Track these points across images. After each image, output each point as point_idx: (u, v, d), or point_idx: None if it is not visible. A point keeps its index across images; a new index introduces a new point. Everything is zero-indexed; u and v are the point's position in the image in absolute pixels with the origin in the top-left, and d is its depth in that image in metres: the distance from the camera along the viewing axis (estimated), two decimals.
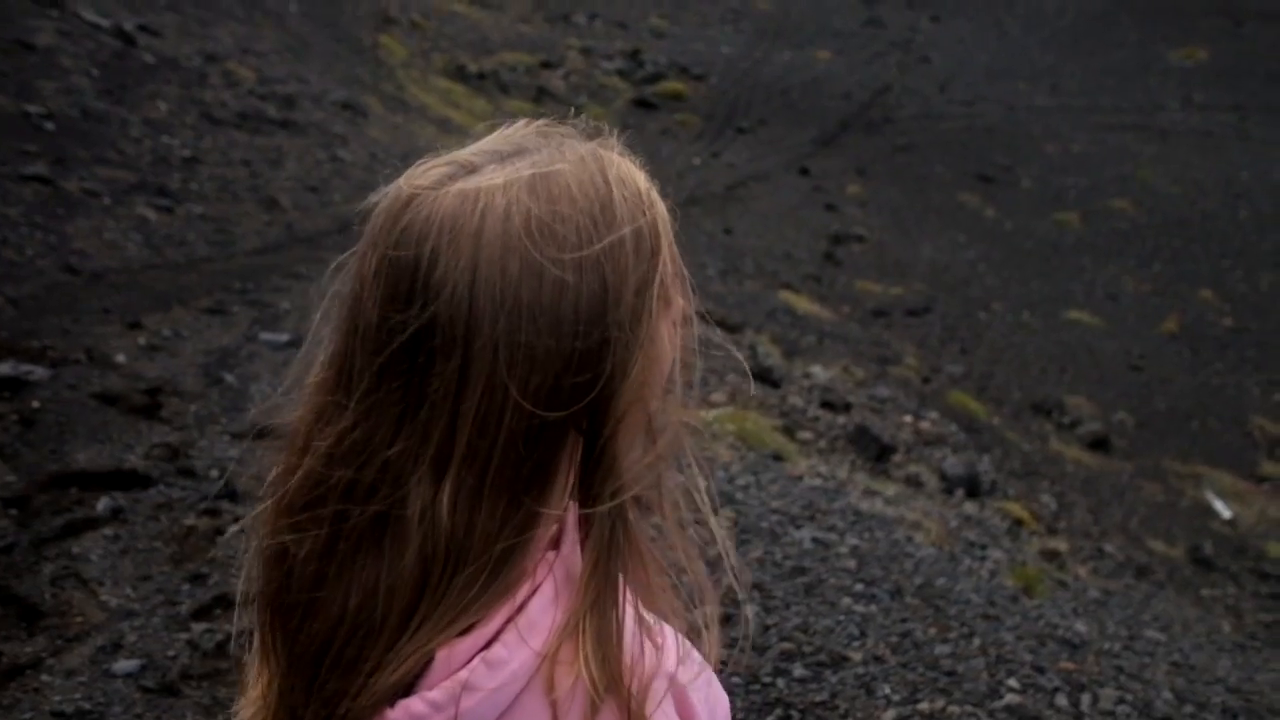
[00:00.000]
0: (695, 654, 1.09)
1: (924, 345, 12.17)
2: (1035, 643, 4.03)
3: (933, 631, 3.87)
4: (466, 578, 0.93)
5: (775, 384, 8.26)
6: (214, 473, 4.82)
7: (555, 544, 0.98)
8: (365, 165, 12.24)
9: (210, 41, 13.11)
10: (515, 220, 0.91)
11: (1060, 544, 6.88)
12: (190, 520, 4.36)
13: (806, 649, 3.63)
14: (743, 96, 18.80)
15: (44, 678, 3.40)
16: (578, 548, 0.97)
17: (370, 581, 0.93)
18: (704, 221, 14.32)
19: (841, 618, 3.89)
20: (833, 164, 17.06)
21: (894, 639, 3.77)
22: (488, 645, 0.92)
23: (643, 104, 17.81)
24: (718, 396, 7.66)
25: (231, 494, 4.58)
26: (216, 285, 7.77)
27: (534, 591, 0.95)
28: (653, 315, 0.96)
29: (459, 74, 17.50)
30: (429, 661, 0.92)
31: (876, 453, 7.24)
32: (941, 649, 3.73)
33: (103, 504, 4.44)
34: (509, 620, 0.92)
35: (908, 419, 8.39)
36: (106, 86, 10.46)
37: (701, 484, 1.04)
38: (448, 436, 0.91)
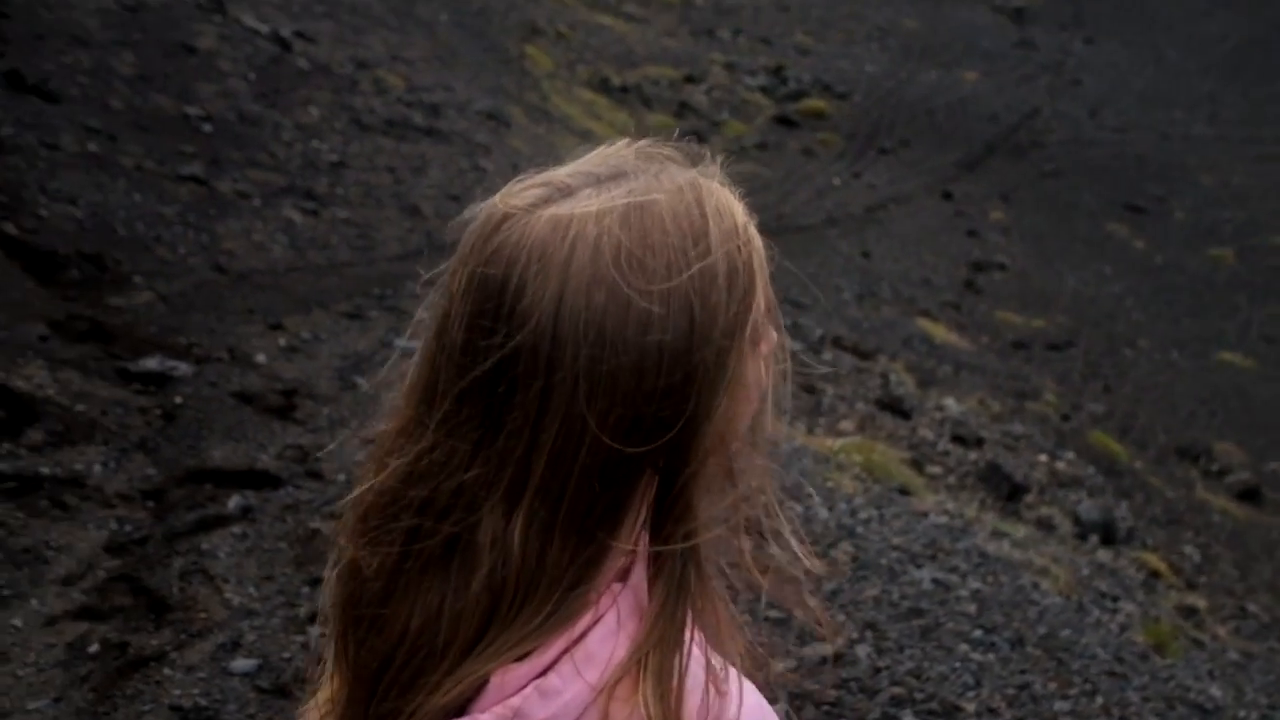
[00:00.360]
0: (764, 704, 1.06)
1: (1065, 381, 11.82)
2: (1163, 705, 3.86)
3: (1053, 686, 3.73)
4: (533, 608, 0.91)
5: (906, 415, 8.11)
6: (341, 477, 4.92)
7: (625, 574, 0.96)
8: (506, 175, 12.28)
9: (362, 49, 13.45)
10: (605, 251, 0.89)
11: (1199, 600, 6.59)
12: (315, 523, 4.46)
13: (918, 695, 3.53)
14: (886, 116, 18.55)
15: (165, 671, 3.50)
16: (645, 580, 0.95)
17: (434, 604, 0.93)
18: (841, 243, 14.16)
19: (957, 665, 3.78)
20: (976, 188, 16.71)
21: (1011, 691, 3.65)
22: (543, 673, 0.90)
23: (784, 121, 17.70)
24: (846, 425, 7.55)
25: None
26: (356, 290, 7.95)
27: (596, 622, 0.93)
28: (742, 355, 0.94)
29: (602, 86, 17.64)
30: (483, 685, 0.91)
31: (1008, 492, 7.04)
32: (1061, 705, 3.59)
33: (234, 502, 4.57)
34: (567, 650, 0.91)
35: (1043, 458, 8.14)
36: (262, 90, 10.81)
37: (786, 527, 1.00)
38: (523, 466, 0.90)
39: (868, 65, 20.99)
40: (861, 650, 3.78)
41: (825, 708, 3.43)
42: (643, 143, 1.02)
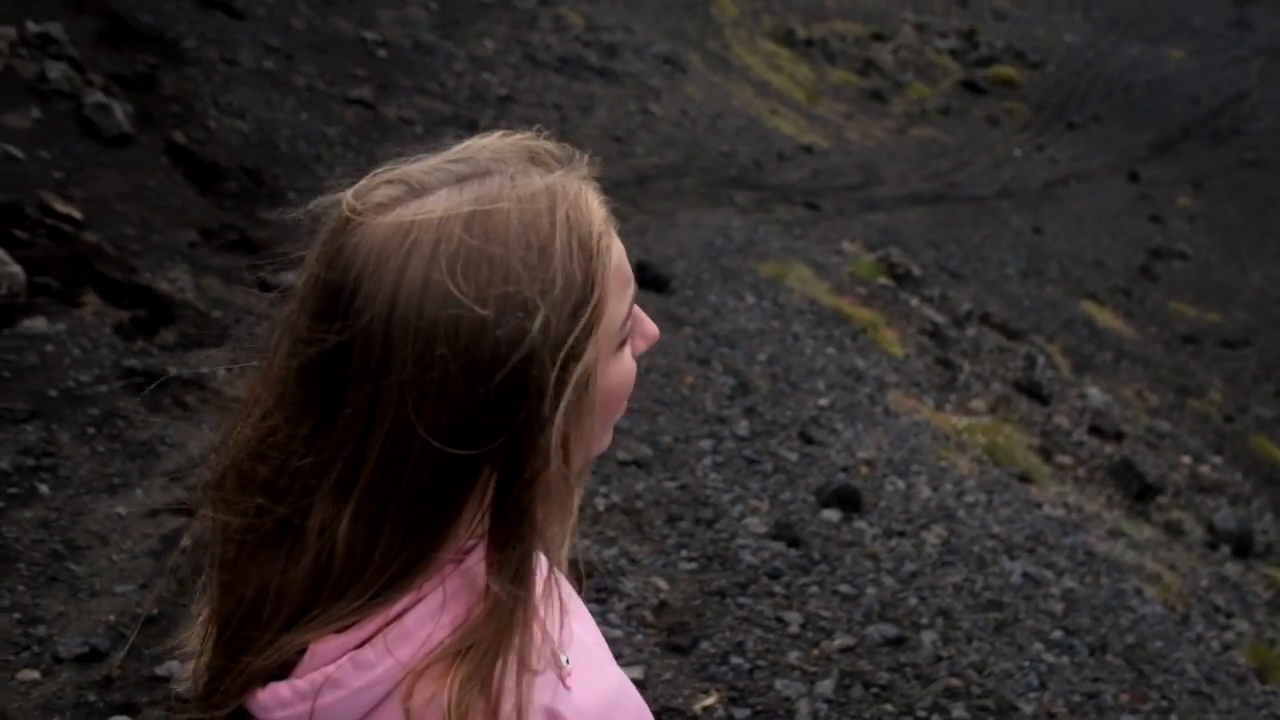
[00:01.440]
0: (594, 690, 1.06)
1: (1234, 381, 11.25)
2: None
3: (1125, 698, 3.60)
4: (355, 592, 0.93)
5: (1043, 400, 7.85)
6: None
7: (462, 557, 0.97)
8: (674, 121, 12.40)
9: None
10: (441, 259, 0.88)
11: None
12: None
13: (975, 690, 3.45)
14: (1079, 89, 17.79)
15: None
16: (482, 564, 0.95)
17: (265, 578, 0.95)
18: (1013, 217, 13.71)
19: (1026, 664, 3.67)
20: (1166, 172, 15.93)
21: (1077, 698, 3.53)
22: (359, 646, 0.92)
23: (971, 87, 17.16)
24: (977, 404, 7.35)
25: None
26: None
27: (417, 602, 0.94)
28: (588, 364, 0.92)
29: (787, 38, 17.39)
30: (303, 651, 0.93)
31: (1138, 491, 6.76)
32: (1128, 719, 3.46)
33: None
34: (384, 626, 0.92)
35: (1186, 459, 7.79)
36: (441, 21, 11.01)
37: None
38: (354, 462, 0.91)
39: (1067, 35, 20.12)
40: (927, 636, 3.71)
41: (875, 690, 3.38)
42: (516, 138, 1.01)
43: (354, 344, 0.90)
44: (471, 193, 0.92)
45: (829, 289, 8.28)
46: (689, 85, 13.83)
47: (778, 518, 4.37)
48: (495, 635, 0.93)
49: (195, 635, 1.11)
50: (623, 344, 1.00)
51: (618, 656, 3.26)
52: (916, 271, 9.41)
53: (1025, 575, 4.34)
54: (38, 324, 4.77)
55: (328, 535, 0.92)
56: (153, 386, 4.52)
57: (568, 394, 0.91)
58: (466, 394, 0.88)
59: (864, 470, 5.06)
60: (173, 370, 4.83)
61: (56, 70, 6.75)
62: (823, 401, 5.85)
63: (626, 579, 3.83)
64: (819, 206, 11.26)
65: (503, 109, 10.18)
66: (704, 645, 3.54)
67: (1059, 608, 4.16)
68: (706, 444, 4.95)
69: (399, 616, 0.93)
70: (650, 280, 7.11)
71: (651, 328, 1.07)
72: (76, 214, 5.65)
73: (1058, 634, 3.93)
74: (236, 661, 0.96)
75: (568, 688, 1.04)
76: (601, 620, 3.60)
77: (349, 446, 0.91)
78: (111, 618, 3.39)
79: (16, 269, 4.80)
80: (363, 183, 0.97)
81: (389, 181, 0.96)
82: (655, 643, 3.54)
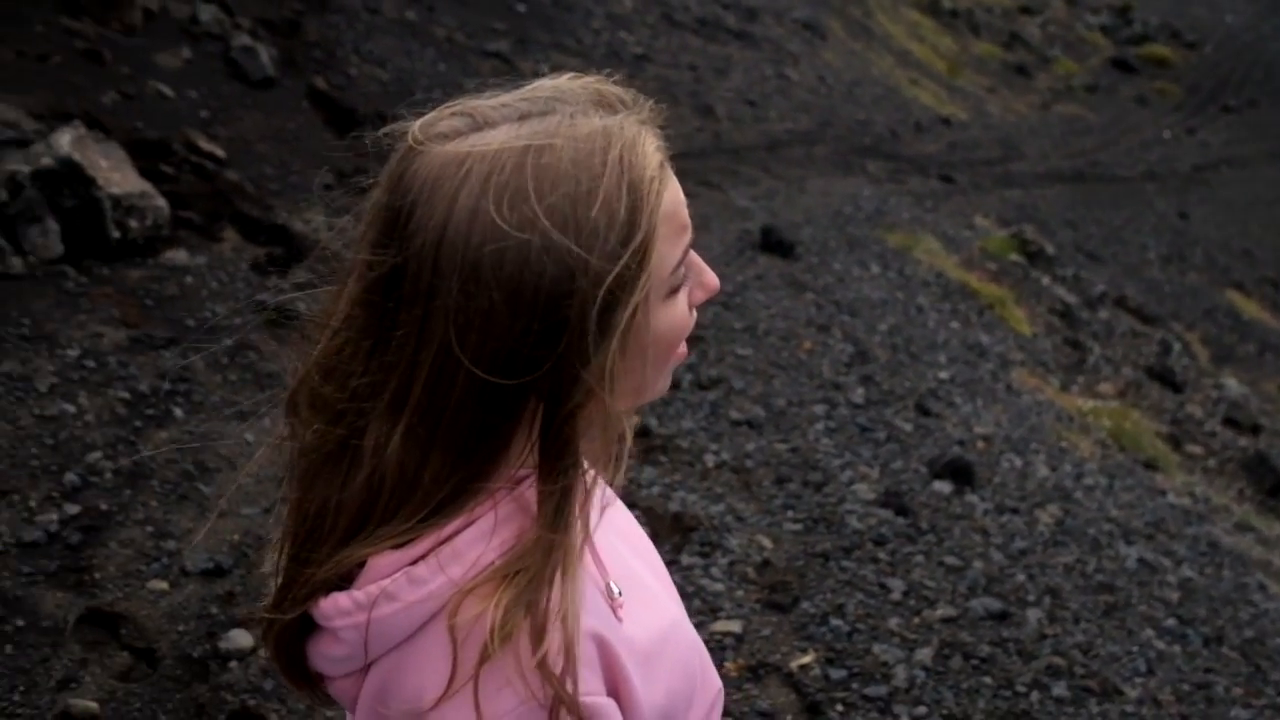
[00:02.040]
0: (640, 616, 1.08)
1: None
2: None
3: (1237, 691, 3.49)
4: (409, 510, 0.97)
5: (1177, 388, 7.61)
6: None
7: (516, 484, 0.99)
8: (810, 87, 12.26)
9: None
10: (491, 191, 0.91)
11: None
12: None
13: (1078, 670, 3.38)
14: (1237, 71, 17.07)
15: None
16: (534, 492, 0.98)
17: (327, 495, 0.99)
18: (1157, 201, 13.26)
19: (1134, 649, 3.59)
20: None
21: (1186, 687, 3.44)
22: (414, 563, 0.96)
23: (1121, 65, 16.59)
24: (1105, 388, 7.17)
25: None
26: None
27: (469, 525, 0.97)
28: (635, 308, 0.94)
29: (931, 8, 17.02)
30: (363, 565, 0.97)
31: (1272, 485, 6.53)
32: (1239, 713, 3.36)
33: None
34: (437, 545, 0.96)
35: None
36: None
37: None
38: (405, 383, 0.94)
39: (1228, 15, 19.31)
40: (1032, 614, 3.65)
41: (974, 662, 3.34)
42: (586, 80, 1.02)
43: (407, 267, 0.93)
44: (529, 129, 0.94)
45: (957, 263, 8.14)
46: (828, 52, 13.65)
47: (887, 486, 4.33)
48: (541, 560, 0.95)
49: (271, 552, 1.15)
50: (675, 290, 1.01)
51: (717, 610, 3.29)
52: (1050, 250, 9.18)
53: (1141, 561, 4.24)
54: (179, 256, 4.95)
55: (381, 454, 0.96)
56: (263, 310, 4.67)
57: (611, 332, 0.93)
58: (509, 323, 0.91)
59: (980, 445, 4.98)
60: (302, 306, 4.97)
61: (207, 13, 6.97)
62: (942, 375, 5.77)
63: (731, 535, 3.85)
64: (954, 180, 11.04)
65: (637, 68, 10.19)
66: (804, 605, 3.54)
67: (1174, 596, 4.05)
68: (820, 409, 4.92)
69: (451, 537, 0.96)
70: (775, 245, 7.08)
71: (711, 279, 1.07)
72: (220, 152, 5.84)
73: (1171, 622, 3.84)
74: (301, 573, 1.00)
75: (619, 619, 1.07)
76: (704, 574, 3.63)
77: (400, 367, 0.95)
78: (236, 537, 3.53)
79: (162, 202, 4.99)
80: (432, 114, 1.00)
81: (455, 114, 0.98)
82: (756, 599, 3.55)
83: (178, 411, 3.99)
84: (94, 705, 2.70)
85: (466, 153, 0.93)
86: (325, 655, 1.02)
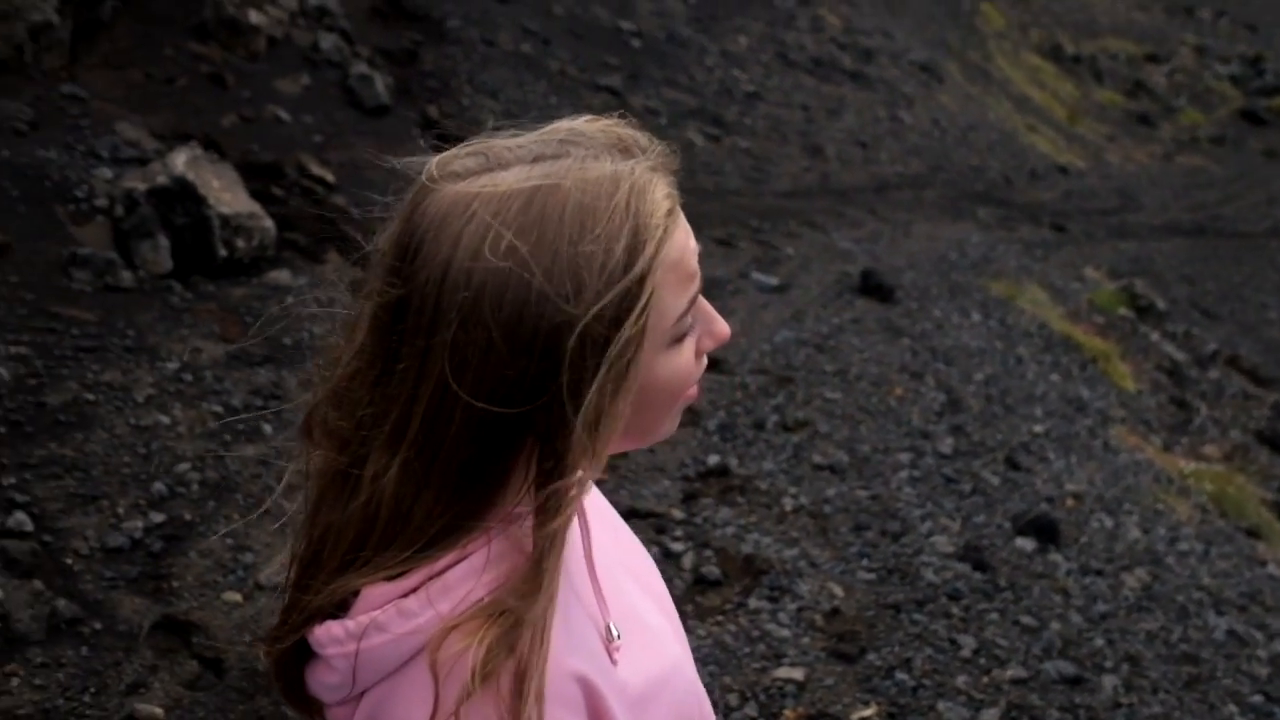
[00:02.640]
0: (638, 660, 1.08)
1: None
2: None
3: None
4: (403, 542, 0.98)
5: None
6: None
7: (512, 521, 1.01)
8: (924, 131, 12.16)
9: None
10: (493, 232, 0.93)
11: None
12: None
13: None
14: None
15: None
16: (528, 529, 0.99)
17: (329, 521, 1.02)
18: None
19: None
20: None
21: None
22: (405, 595, 0.98)
23: (1250, 117, 16.13)
24: (1210, 450, 6.95)
25: None
26: (735, 218, 8.12)
27: (460, 560, 0.99)
28: (628, 355, 0.96)
29: (1053, 53, 16.77)
30: (358, 594, 0.99)
31: None
32: None
33: None
34: (428, 579, 0.97)
35: None
36: (698, 15, 11.13)
37: None
38: (405, 415, 0.96)
39: None
40: (1108, 680, 3.55)
41: None
42: (604, 123, 1.04)
43: (410, 300, 0.95)
44: (540, 171, 0.96)
45: (1063, 314, 7.97)
46: (944, 95, 13.52)
47: (968, 540, 4.26)
48: (527, 600, 0.96)
49: (278, 573, 1.19)
50: (680, 339, 1.02)
51: (780, 656, 3.26)
52: (1161, 305, 8.95)
53: (1230, 632, 4.09)
54: (282, 276, 5.10)
55: (379, 485, 0.97)
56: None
57: (607, 376, 0.94)
58: (507, 361, 0.93)
59: (1069, 503, 4.87)
60: None
61: (328, 41, 7.19)
62: (1037, 428, 5.65)
63: (803, 581, 3.82)
64: (1066, 229, 10.84)
65: (748, 106, 10.23)
66: (871, 656, 3.49)
67: (1264, 671, 3.90)
68: (905, 457, 4.86)
69: (443, 572, 0.98)
70: (874, 288, 7.02)
71: (722, 328, 1.08)
72: (329, 177, 6.01)
73: (1257, 698, 3.70)
74: (301, 599, 1.02)
75: (614, 661, 1.07)
76: (771, 619, 3.61)
77: (401, 399, 0.96)
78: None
79: (269, 223, 5.15)
80: (450, 151, 1.02)
81: (471, 153, 1.00)
82: (821, 647, 3.51)
83: (267, 428, 4.10)
84: (159, 711, 2.78)
85: (475, 193, 0.95)
86: (320, 682, 1.05)
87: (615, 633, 1.09)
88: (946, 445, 5.09)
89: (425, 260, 0.95)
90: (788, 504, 4.31)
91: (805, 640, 3.53)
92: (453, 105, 7.52)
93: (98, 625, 3.00)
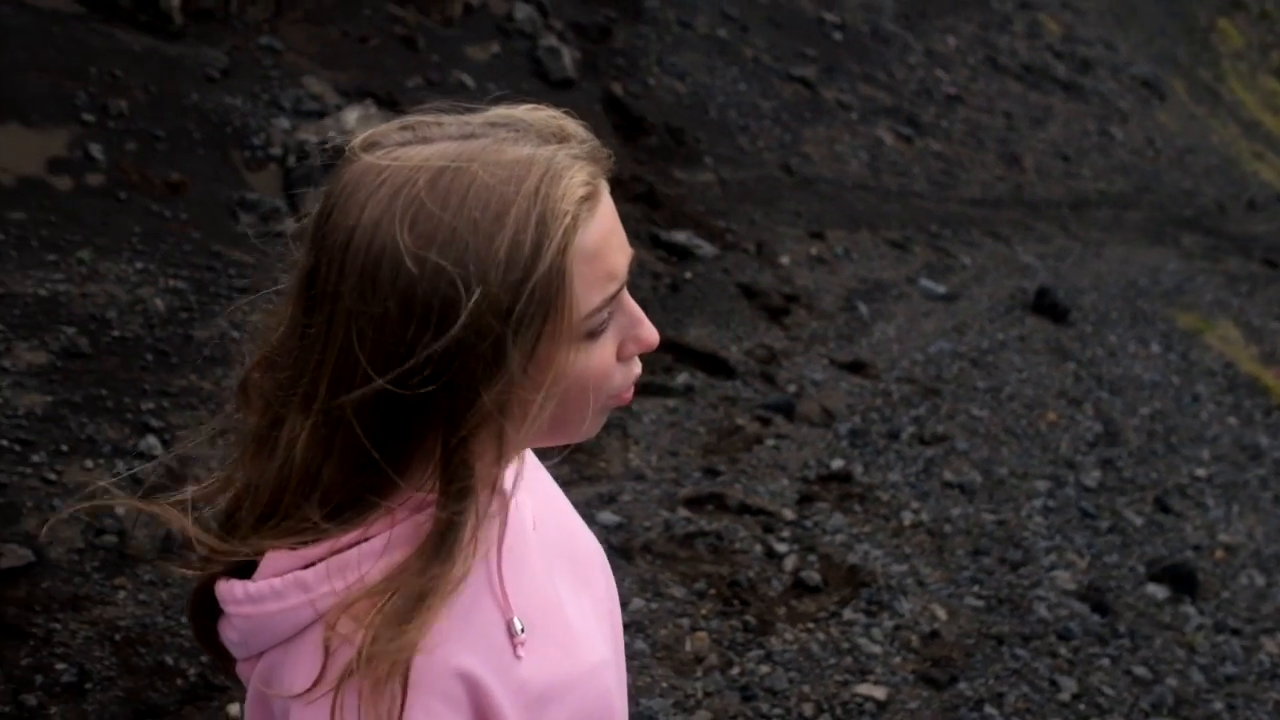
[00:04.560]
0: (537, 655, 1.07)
1: None
2: None
3: None
4: (309, 509, 0.99)
5: None
6: (791, 387, 5.05)
7: (420, 508, 1.00)
8: (1135, 148, 11.61)
9: None
10: (396, 206, 0.92)
11: None
12: (742, 420, 4.64)
13: None
14: None
15: None
16: (431, 518, 0.98)
17: (248, 480, 1.04)
18: None
19: None
20: None
21: None
22: (305, 567, 0.98)
23: None
24: None
25: (788, 410, 4.77)
26: (913, 221, 7.92)
27: (363, 540, 0.99)
28: (529, 343, 0.94)
29: None
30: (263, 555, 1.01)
31: None
32: None
33: (682, 378, 4.86)
34: (329, 555, 0.98)
35: None
36: (907, 11, 10.88)
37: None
38: (314, 381, 0.97)
39: None
40: None
41: None
42: (547, 112, 1.02)
43: (319, 266, 0.96)
44: (455, 149, 0.94)
45: (1255, 355, 7.50)
46: (1163, 113, 12.88)
47: (1093, 579, 4.06)
48: (416, 587, 0.96)
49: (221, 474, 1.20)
50: (595, 334, 0.99)
51: (866, 673, 3.17)
52: None
53: None
54: None
55: (292, 448, 0.98)
56: None
57: (505, 362, 0.93)
58: (401, 334, 0.92)
59: (1218, 554, 4.58)
60: None
61: (523, 12, 7.31)
62: (1199, 471, 5.34)
63: (905, 599, 3.70)
64: (1278, 265, 10.19)
65: (947, 108, 9.95)
66: (962, 685, 3.37)
67: None
68: (1043, 485, 4.66)
69: (345, 549, 0.98)
70: (1048, 307, 6.76)
71: (649, 334, 1.04)
72: None
73: None
74: (214, 552, 1.04)
75: (517, 656, 1.06)
76: (864, 633, 3.51)
77: (311, 365, 0.97)
78: None
79: None
80: (385, 124, 1.01)
81: (404, 126, 0.99)
82: (911, 669, 3.40)
83: None
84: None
85: (387, 165, 0.95)
86: (226, 637, 1.06)
87: (520, 627, 1.08)
88: (1092, 478, 4.86)
89: (333, 227, 0.95)
90: (907, 518, 4.19)
91: (896, 660, 3.42)
92: (638, 85, 7.55)
93: None
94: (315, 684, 0.96)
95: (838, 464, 4.42)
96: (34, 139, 4.34)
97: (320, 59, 6.02)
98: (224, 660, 1.13)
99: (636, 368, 1.07)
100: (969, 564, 3.99)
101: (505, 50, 7.03)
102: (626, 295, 1.02)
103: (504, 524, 1.08)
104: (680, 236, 6.18)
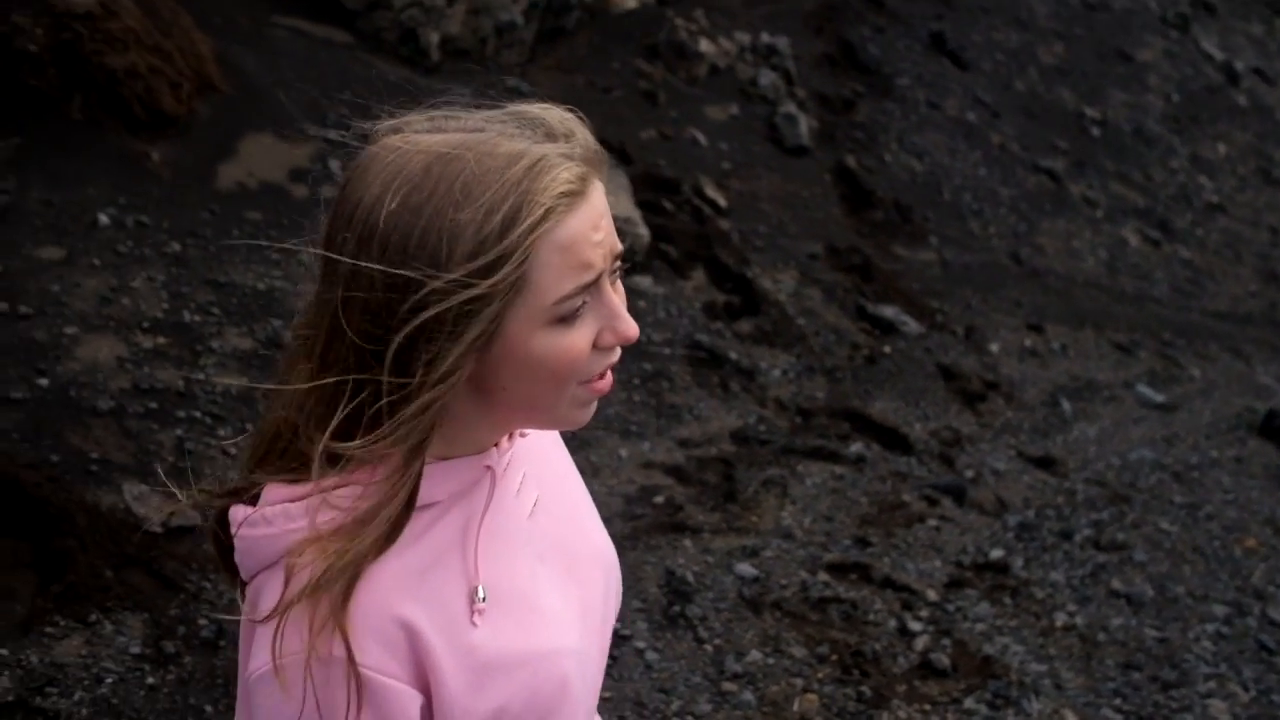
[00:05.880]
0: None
1: None
2: None
3: None
4: (296, 452, 1.14)
5: None
6: (969, 473, 4.96)
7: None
8: None
9: None
10: (393, 183, 1.05)
11: None
12: (908, 497, 4.59)
13: None
14: None
15: (685, 543, 3.96)
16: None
17: (267, 421, 1.19)
18: None
19: None
20: None
21: None
22: (294, 500, 1.12)
23: None
24: None
25: (959, 494, 4.69)
26: (1144, 326, 7.62)
27: (344, 484, 1.11)
28: (489, 319, 1.04)
29: None
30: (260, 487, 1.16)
31: None
32: None
33: (855, 447, 4.85)
34: (314, 493, 1.11)
35: None
36: (1174, 113, 10.49)
37: None
38: (315, 335, 1.12)
39: None
40: None
41: None
42: (562, 113, 1.13)
43: (333, 233, 1.10)
44: (457, 140, 1.07)
45: None
46: None
47: (1254, 714, 3.81)
48: (369, 531, 1.08)
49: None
50: (564, 320, 1.08)
51: None
52: None
53: None
54: (644, 282, 5.41)
55: (295, 396, 1.13)
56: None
57: (465, 334, 1.04)
58: (384, 300, 1.05)
59: None
60: (733, 355, 5.25)
61: (767, 78, 7.49)
62: None
63: (1036, 699, 3.59)
64: None
65: (1205, 216, 9.52)
66: None
67: None
68: (1221, 610, 4.40)
69: (329, 490, 1.10)
70: (1276, 431, 6.35)
71: (627, 327, 1.13)
72: (722, 201, 6.28)
73: None
74: (240, 480, 1.20)
75: (473, 623, 1.15)
76: None
77: (314, 321, 1.12)
78: None
79: (644, 231, 5.48)
80: (418, 112, 1.15)
81: (428, 117, 1.13)
82: None
83: None
84: None
85: (397, 147, 1.09)
86: (236, 559, 1.21)
87: (482, 595, 1.17)
88: None
89: (344, 199, 1.10)
90: (1059, 619, 4.05)
91: None
92: (873, 159, 7.59)
93: None
94: (275, 607, 1.09)
95: (997, 554, 4.32)
96: (282, 149, 4.78)
97: (560, 102, 6.34)
98: (236, 580, 1.28)
99: (613, 356, 1.16)
100: (1116, 676, 3.82)
101: (743, 113, 7.21)
102: (606, 287, 1.12)
103: (490, 498, 1.19)
104: (887, 311, 6.17)
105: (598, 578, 1.35)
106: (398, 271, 1.04)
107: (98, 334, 3.86)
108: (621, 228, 5.30)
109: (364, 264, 1.05)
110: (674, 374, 4.94)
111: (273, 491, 1.14)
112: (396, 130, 1.11)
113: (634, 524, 4.04)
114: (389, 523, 1.10)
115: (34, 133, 4.36)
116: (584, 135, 1.12)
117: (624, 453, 4.38)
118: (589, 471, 4.23)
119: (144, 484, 3.46)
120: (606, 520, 3.97)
